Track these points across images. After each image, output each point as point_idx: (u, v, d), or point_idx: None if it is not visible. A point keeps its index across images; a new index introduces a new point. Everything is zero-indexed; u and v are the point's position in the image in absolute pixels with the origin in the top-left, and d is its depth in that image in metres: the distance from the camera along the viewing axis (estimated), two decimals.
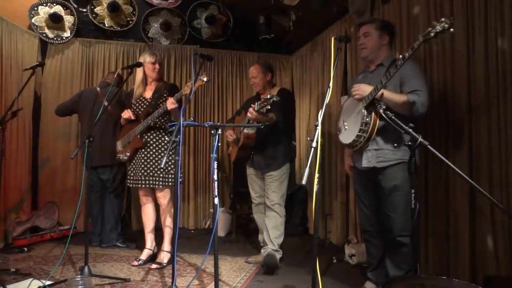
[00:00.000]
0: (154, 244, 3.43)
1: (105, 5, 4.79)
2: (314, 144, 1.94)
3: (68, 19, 4.76)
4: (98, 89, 4.00)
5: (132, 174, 3.31)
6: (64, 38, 4.78)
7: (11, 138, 4.02)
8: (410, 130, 1.85)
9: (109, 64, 4.94)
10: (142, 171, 3.22)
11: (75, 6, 4.79)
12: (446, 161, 1.74)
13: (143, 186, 3.26)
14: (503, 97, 2.27)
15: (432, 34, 1.90)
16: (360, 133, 2.30)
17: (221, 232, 4.55)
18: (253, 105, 2.88)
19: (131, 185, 3.38)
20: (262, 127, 2.67)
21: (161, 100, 3.26)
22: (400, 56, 2.11)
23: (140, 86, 3.35)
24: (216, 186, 2.30)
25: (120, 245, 3.91)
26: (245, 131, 3.24)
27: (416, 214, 1.85)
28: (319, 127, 1.97)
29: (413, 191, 1.86)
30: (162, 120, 3.29)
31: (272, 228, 3.26)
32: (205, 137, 5.20)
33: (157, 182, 3.20)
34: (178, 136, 2.28)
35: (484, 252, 2.36)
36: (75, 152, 2.67)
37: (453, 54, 2.63)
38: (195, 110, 5.20)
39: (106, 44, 4.96)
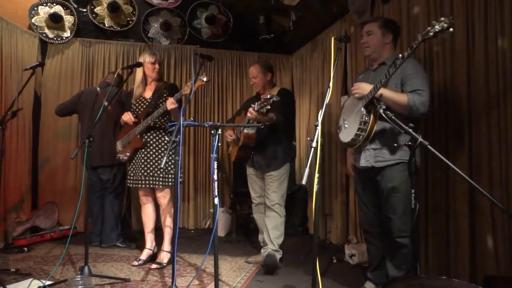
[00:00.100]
0: (154, 244, 3.43)
1: (105, 5, 4.79)
2: (314, 144, 1.94)
3: (68, 19, 4.76)
4: (98, 89, 3.99)
5: (132, 174, 3.31)
6: (64, 38, 4.78)
7: (11, 138, 4.02)
8: (410, 130, 1.85)
9: (109, 64, 4.94)
10: (142, 171, 3.22)
11: (75, 6, 4.80)
12: (446, 161, 1.73)
13: (143, 186, 3.26)
14: (503, 97, 2.27)
15: (431, 33, 1.90)
16: (359, 132, 2.30)
17: (221, 232, 4.55)
18: (253, 105, 2.87)
19: (131, 185, 3.38)
20: (262, 127, 2.67)
21: (161, 100, 3.26)
22: (400, 55, 2.11)
23: (140, 86, 3.35)
24: (216, 186, 2.30)
25: (120, 245, 3.91)
26: (245, 131, 3.24)
27: (416, 214, 1.85)
28: (319, 127, 1.97)
29: (413, 191, 1.86)
30: (162, 120, 3.29)
31: (272, 228, 3.26)
32: (205, 137, 5.21)
33: (157, 182, 3.20)
34: (178, 136, 2.28)
35: (484, 252, 2.36)
36: (75, 152, 2.66)
37: (453, 54, 2.63)
38: (195, 110, 5.20)
39: (106, 44, 4.96)
